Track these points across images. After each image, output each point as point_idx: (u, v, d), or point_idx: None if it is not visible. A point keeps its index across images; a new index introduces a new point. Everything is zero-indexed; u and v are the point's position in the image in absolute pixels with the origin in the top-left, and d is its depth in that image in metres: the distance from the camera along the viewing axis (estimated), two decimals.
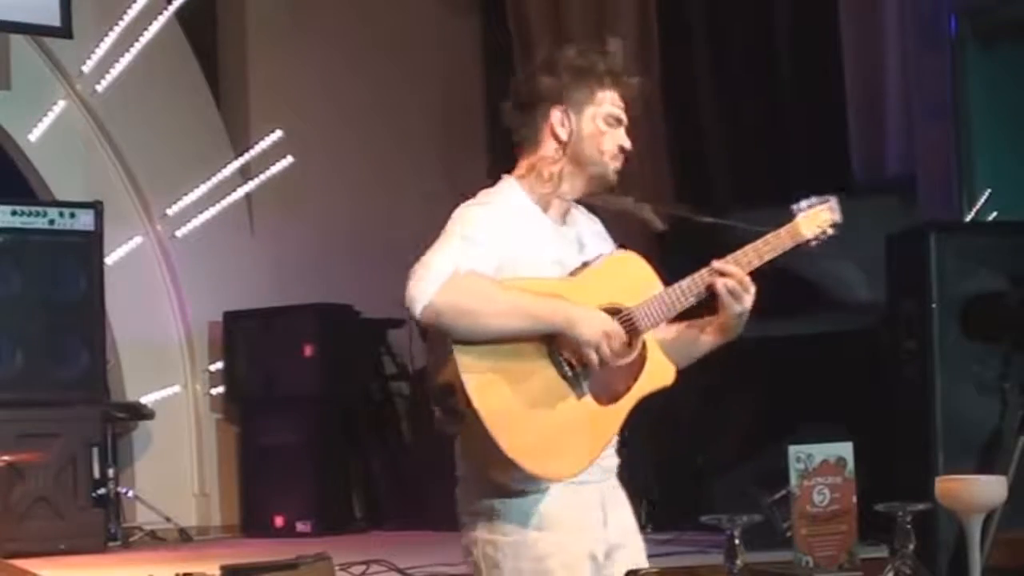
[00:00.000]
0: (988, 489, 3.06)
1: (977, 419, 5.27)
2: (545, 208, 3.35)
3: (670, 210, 3.45)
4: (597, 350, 3.16)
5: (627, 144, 3.35)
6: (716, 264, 3.30)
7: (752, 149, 8.12)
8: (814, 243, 3.41)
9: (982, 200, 6.79)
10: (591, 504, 3.28)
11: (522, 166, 3.40)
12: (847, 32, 7.50)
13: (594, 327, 3.16)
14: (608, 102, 3.34)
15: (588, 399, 3.20)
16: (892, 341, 5.59)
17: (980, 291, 5.37)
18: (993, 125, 6.99)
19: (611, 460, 3.37)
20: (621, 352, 3.21)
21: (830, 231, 3.43)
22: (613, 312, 3.23)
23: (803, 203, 3.40)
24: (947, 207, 6.85)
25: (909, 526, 2.95)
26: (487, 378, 3.12)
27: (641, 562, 3.35)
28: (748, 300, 3.30)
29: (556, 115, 3.33)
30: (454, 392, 3.12)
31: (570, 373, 3.19)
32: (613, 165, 3.35)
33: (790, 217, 3.39)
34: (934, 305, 5.33)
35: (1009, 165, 6.93)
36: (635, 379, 3.24)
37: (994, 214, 6.73)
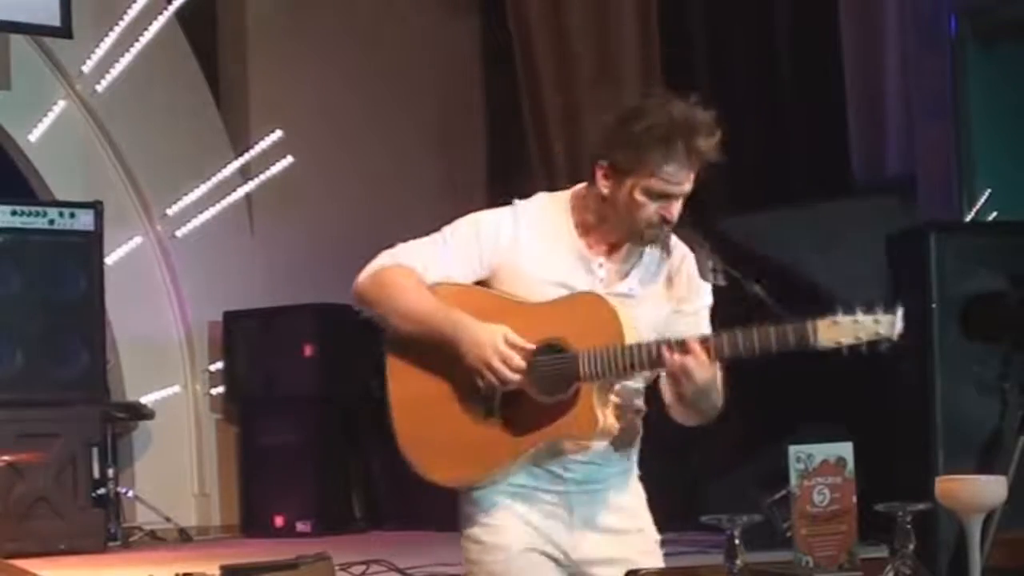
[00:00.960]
0: (988, 489, 3.06)
1: (977, 419, 5.28)
2: (584, 233, 3.28)
3: (732, 271, 3.24)
4: (480, 375, 3.15)
5: (670, 215, 3.20)
6: (686, 339, 3.11)
7: (752, 149, 8.12)
8: (846, 351, 3.07)
9: (982, 200, 6.79)
10: (537, 509, 3.27)
11: (583, 186, 3.31)
12: (847, 32, 7.50)
13: (476, 354, 3.13)
14: (657, 175, 3.16)
15: (495, 421, 3.18)
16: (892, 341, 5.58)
17: (980, 291, 5.37)
18: (993, 125, 7.00)
19: (582, 471, 3.29)
20: (536, 389, 3.16)
21: (885, 343, 3.06)
22: (556, 348, 3.16)
23: (860, 311, 3.05)
24: (947, 207, 6.85)
25: (909, 526, 2.95)
26: (405, 370, 3.24)
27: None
28: (685, 386, 3.09)
29: (599, 171, 3.23)
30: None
31: (485, 392, 3.18)
32: (649, 232, 3.22)
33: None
34: (934, 305, 5.33)
35: (1009, 165, 6.94)
36: (551, 421, 3.16)
37: (994, 214, 6.74)
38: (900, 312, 3.08)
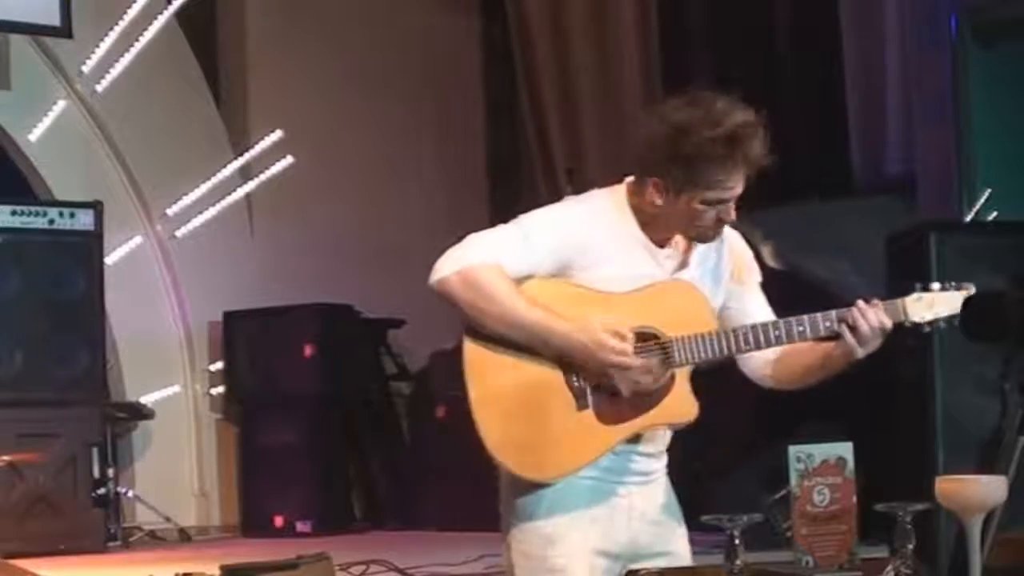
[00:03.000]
0: (988, 489, 3.05)
1: (977, 419, 5.27)
2: (644, 226, 3.26)
3: (789, 257, 3.34)
4: (605, 375, 3.15)
5: (729, 218, 3.23)
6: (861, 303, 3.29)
7: None
8: (927, 328, 3.32)
9: (982, 200, 6.79)
10: (611, 502, 3.26)
11: (636, 181, 3.27)
12: (847, 33, 7.50)
13: (592, 359, 3.13)
14: (713, 188, 3.17)
15: (588, 412, 3.17)
16: (892, 341, 5.57)
17: (980, 291, 5.37)
18: (993, 125, 6.99)
19: (643, 464, 3.32)
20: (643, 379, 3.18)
21: (953, 321, 3.31)
22: (648, 337, 3.18)
23: (935, 285, 3.28)
24: (947, 207, 6.85)
25: (909, 526, 2.95)
26: (488, 367, 3.14)
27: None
28: (869, 343, 3.30)
29: (652, 184, 3.20)
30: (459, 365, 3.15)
31: (576, 383, 3.17)
32: (708, 232, 3.26)
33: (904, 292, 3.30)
34: None
35: (1009, 165, 6.93)
36: (648, 409, 3.21)
37: (994, 214, 6.74)
38: (971, 288, 3.30)
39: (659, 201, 3.20)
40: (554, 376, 3.17)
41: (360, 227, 8.74)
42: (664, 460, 3.40)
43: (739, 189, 3.20)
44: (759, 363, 3.41)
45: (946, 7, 6.98)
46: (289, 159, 8.73)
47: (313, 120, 8.87)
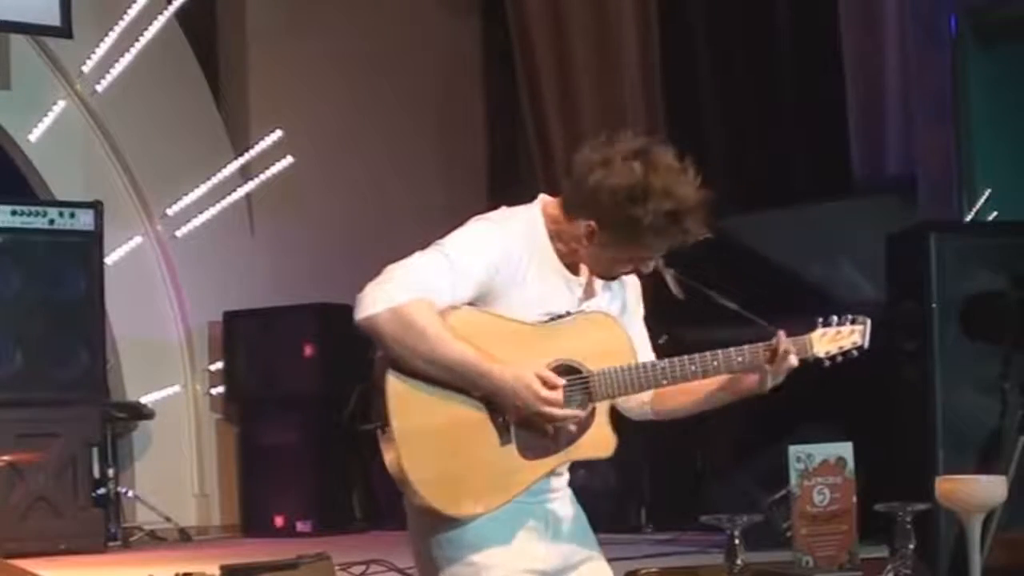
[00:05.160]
0: (988, 489, 3.06)
1: (977, 419, 5.28)
2: (557, 250, 3.26)
3: (694, 284, 3.33)
4: (529, 423, 3.14)
5: (646, 269, 3.27)
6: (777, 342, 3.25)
7: (752, 149, 8.13)
8: (828, 363, 3.28)
9: (982, 200, 6.79)
10: (531, 522, 3.26)
11: (557, 204, 3.28)
12: (847, 32, 7.51)
13: (519, 404, 3.12)
14: (645, 250, 3.22)
15: (512, 448, 3.16)
16: (892, 341, 5.59)
17: (980, 291, 5.38)
18: (993, 125, 7.00)
19: (557, 481, 3.32)
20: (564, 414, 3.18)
21: (854, 353, 3.28)
22: (569, 371, 3.18)
23: (833, 319, 3.28)
24: (947, 207, 6.86)
25: (909, 526, 2.96)
26: (412, 403, 3.11)
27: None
28: (768, 382, 3.26)
29: (587, 226, 3.20)
30: (380, 398, 3.12)
31: (501, 419, 3.16)
32: (618, 276, 3.31)
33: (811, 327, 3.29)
34: (934, 305, 5.34)
35: (1009, 165, 6.94)
36: (569, 443, 3.20)
37: (994, 214, 6.74)
38: (869, 322, 3.26)
39: (585, 243, 3.21)
40: (478, 412, 3.15)
41: (360, 227, 8.73)
42: (567, 475, 3.37)
43: (652, 262, 3.26)
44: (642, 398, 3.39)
45: (946, 7, 6.98)
46: (289, 159, 8.73)
47: (313, 120, 8.87)
